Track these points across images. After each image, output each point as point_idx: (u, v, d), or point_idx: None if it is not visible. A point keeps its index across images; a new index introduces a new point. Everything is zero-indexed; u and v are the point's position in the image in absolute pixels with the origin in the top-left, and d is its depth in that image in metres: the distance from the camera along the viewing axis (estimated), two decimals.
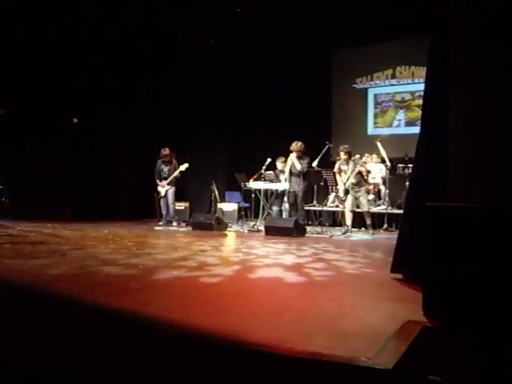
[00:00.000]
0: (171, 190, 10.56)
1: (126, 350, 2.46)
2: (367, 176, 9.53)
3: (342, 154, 9.22)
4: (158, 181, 10.66)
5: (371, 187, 10.46)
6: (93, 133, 11.08)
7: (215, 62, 12.32)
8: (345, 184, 9.06)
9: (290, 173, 9.78)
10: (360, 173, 9.09)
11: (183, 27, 11.50)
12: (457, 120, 3.32)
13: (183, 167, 10.41)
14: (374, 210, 10.19)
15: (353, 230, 9.28)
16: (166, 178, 10.55)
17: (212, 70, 12.32)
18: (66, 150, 10.85)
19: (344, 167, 9.20)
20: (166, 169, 10.61)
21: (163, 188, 10.54)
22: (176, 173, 10.47)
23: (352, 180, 8.99)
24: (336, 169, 9.49)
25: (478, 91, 3.20)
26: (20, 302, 3.11)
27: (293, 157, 9.72)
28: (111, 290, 3.47)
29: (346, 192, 9.07)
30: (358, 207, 9.25)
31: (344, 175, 9.14)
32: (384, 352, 2.13)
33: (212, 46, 12.29)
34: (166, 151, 10.58)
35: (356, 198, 9.12)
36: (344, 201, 9.15)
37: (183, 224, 10.41)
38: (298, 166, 9.67)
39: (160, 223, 10.43)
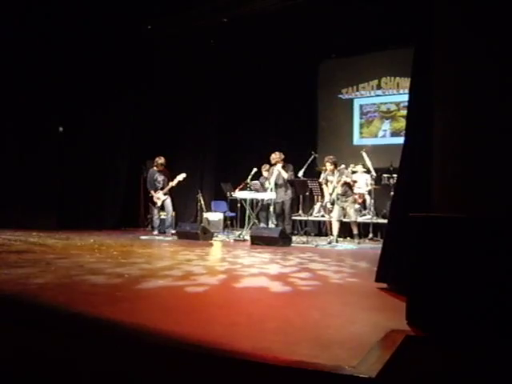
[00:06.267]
0: (169, 200, 10.20)
1: (110, 360, 2.45)
2: (353, 186, 9.55)
3: (327, 164, 9.22)
4: (152, 191, 10.23)
5: (357, 197, 10.49)
6: (79, 141, 11.00)
7: (202, 71, 12.35)
8: (331, 194, 9.08)
9: (276, 184, 9.79)
10: (346, 183, 9.10)
11: (172, 34, 11.49)
12: (440, 131, 3.36)
13: (181, 177, 10.06)
14: (360, 219, 10.22)
15: (338, 239, 9.29)
16: (162, 188, 10.15)
17: (199, 79, 12.34)
18: (52, 159, 10.76)
19: (330, 178, 9.19)
20: (160, 178, 10.19)
21: (159, 199, 10.15)
22: (174, 182, 10.07)
23: (338, 190, 9.00)
24: (322, 179, 9.51)
25: (462, 102, 3.25)
26: (4, 312, 3.09)
27: (279, 167, 9.76)
28: (96, 300, 3.46)
29: (333, 202, 9.08)
30: (345, 217, 9.27)
31: (330, 185, 9.15)
32: (368, 361, 2.15)
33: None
34: (161, 160, 10.18)
35: (343, 209, 9.12)
36: (331, 211, 9.16)
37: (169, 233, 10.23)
38: (286, 175, 9.71)
39: (154, 233, 10.12)
